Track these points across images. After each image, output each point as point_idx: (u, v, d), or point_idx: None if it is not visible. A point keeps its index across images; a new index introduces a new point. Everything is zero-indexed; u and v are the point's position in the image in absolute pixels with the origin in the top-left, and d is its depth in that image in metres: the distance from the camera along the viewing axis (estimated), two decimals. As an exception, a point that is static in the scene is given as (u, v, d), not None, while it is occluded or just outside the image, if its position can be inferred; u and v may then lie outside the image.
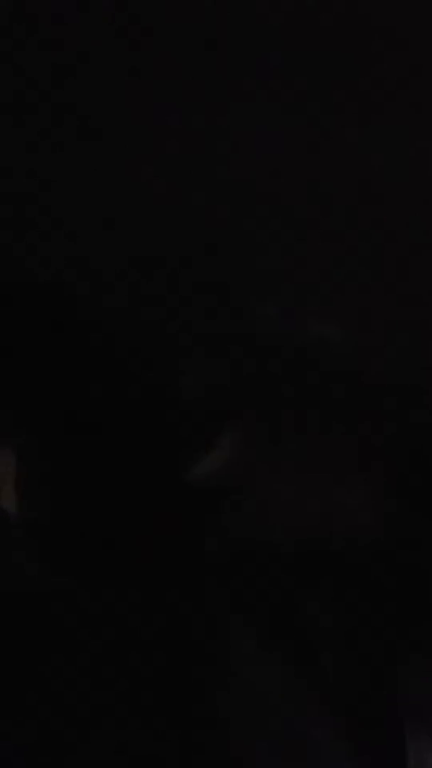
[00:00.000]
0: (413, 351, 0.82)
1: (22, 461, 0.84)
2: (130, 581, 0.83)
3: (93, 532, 0.84)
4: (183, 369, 0.83)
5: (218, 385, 0.83)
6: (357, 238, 0.79)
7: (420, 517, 0.84)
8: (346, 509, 0.85)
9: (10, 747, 0.78)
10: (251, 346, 0.82)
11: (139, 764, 0.79)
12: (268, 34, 0.76)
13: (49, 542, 0.84)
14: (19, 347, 0.84)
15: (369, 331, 0.81)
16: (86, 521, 0.84)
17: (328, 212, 0.79)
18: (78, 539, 0.84)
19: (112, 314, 0.83)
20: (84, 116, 0.78)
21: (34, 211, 0.80)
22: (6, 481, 0.85)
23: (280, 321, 0.81)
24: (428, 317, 0.81)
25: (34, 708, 0.79)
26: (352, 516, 0.85)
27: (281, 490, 0.85)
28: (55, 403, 0.84)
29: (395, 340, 0.82)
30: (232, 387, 0.83)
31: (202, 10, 0.75)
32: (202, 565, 0.83)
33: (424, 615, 0.84)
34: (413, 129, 0.77)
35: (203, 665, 0.81)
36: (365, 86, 0.76)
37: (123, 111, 0.78)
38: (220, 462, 0.84)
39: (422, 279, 0.80)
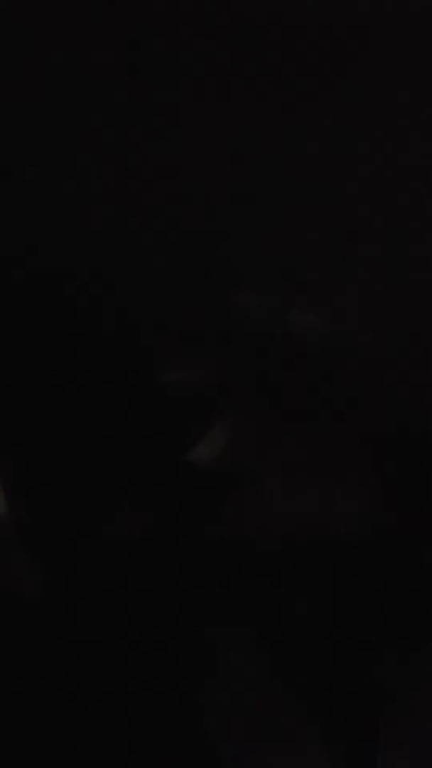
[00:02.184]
0: (398, 341, 0.82)
1: (11, 459, 0.84)
2: (126, 573, 0.83)
3: (88, 527, 0.84)
4: (170, 361, 0.83)
5: (206, 377, 0.83)
6: (339, 229, 0.79)
7: (412, 516, 0.84)
8: (339, 506, 0.85)
9: (8, 740, 0.79)
10: (234, 339, 0.82)
11: (125, 750, 0.80)
12: (267, 33, 0.76)
13: (42, 540, 0.84)
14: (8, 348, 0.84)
15: (353, 323, 0.81)
16: (80, 516, 0.84)
17: (310, 204, 0.79)
18: (72, 536, 0.84)
19: (99, 307, 0.83)
20: (75, 111, 0.78)
21: (16, 211, 0.80)
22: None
23: (263, 313, 0.81)
24: (411, 307, 0.81)
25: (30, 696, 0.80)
26: (344, 513, 0.85)
27: (273, 484, 0.85)
28: (45, 398, 0.84)
29: (380, 330, 0.81)
30: (219, 379, 0.83)
31: (202, 12, 0.75)
32: (198, 558, 0.83)
33: (410, 619, 0.84)
34: (395, 121, 0.77)
35: (191, 658, 0.82)
36: (349, 77, 0.76)
37: (116, 108, 0.78)
38: (211, 451, 0.84)
39: (405, 269, 0.80)
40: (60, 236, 0.81)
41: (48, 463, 0.84)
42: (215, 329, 0.83)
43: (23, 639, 0.82)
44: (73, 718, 0.80)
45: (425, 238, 0.79)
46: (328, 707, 0.82)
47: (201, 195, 0.79)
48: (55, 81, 0.77)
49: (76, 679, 0.81)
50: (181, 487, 0.84)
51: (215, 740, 0.81)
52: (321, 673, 0.83)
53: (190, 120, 0.77)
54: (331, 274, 0.80)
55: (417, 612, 0.84)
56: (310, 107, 0.76)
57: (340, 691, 0.83)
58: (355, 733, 0.82)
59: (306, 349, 0.82)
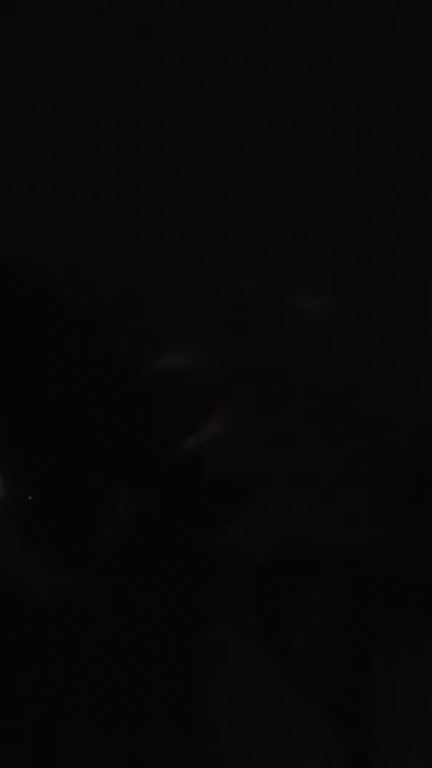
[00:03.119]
0: (399, 326, 0.81)
1: (8, 451, 0.84)
2: (126, 572, 0.82)
3: (85, 520, 0.83)
4: (168, 348, 0.83)
5: (205, 364, 0.83)
6: (342, 212, 0.79)
7: (410, 519, 0.84)
8: (337, 508, 0.84)
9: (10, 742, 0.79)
10: (235, 323, 0.82)
11: (131, 751, 0.79)
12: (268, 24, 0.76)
13: (42, 534, 0.83)
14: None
15: (355, 307, 0.81)
16: (76, 508, 0.83)
17: (312, 186, 0.78)
18: (69, 530, 0.84)
19: (95, 294, 0.82)
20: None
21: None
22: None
23: (264, 297, 0.81)
24: (413, 290, 0.80)
25: (31, 698, 0.80)
26: (342, 515, 0.84)
27: (270, 481, 0.84)
28: (41, 389, 0.83)
29: (381, 315, 0.81)
30: (218, 365, 0.83)
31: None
32: (200, 560, 0.83)
33: (407, 619, 0.84)
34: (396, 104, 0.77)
35: (196, 657, 0.81)
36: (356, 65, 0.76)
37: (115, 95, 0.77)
38: (208, 440, 0.83)
39: (408, 254, 0.79)
40: (55, 219, 0.80)
41: (43, 454, 0.84)
42: (215, 317, 0.82)
43: (23, 634, 0.81)
44: (73, 715, 0.80)
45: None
46: (328, 708, 0.82)
47: (203, 175, 0.78)
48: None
49: (76, 677, 0.81)
50: (178, 478, 0.84)
51: (216, 739, 0.80)
52: (321, 673, 0.83)
53: (192, 99, 0.77)
54: (335, 261, 0.80)
55: (417, 614, 0.84)
56: (314, 90, 0.76)
57: (340, 692, 0.82)
58: (354, 733, 0.82)
59: (307, 338, 0.82)
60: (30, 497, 0.82)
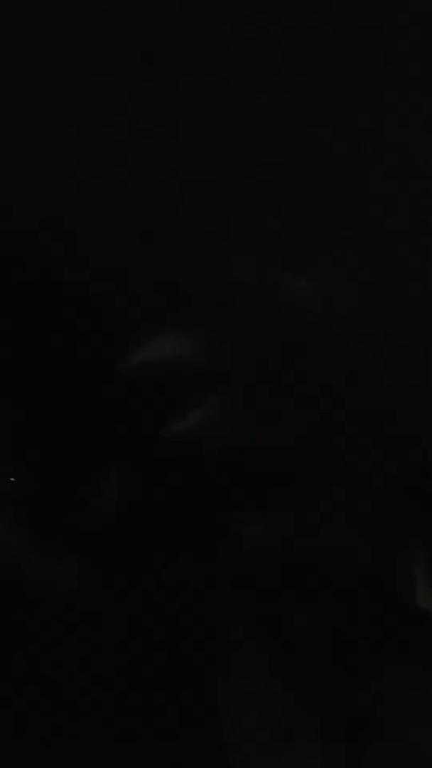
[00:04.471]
0: (397, 311, 0.81)
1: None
2: (134, 575, 0.82)
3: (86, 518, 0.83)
4: (159, 332, 0.82)
5: (196, 347, 0.82)
6: (335, 198, 0.78)
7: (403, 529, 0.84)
8: (336, 500, 0.84)
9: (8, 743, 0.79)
10: (228, 308, 0.81)
11: (135, 756, 0.79)
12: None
13: (30, 519, 0.83)
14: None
15: (346, 293, 0.80)
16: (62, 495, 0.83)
17: (305, 172, 0.78)
18: (75, 532, 0.84)
19: (85, 275, 0.82)
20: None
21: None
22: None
23: (257, 282, 0.80)
24: (405, 277, 0.80)
25: (32, 701, 0.80)
26: (337, 528, 0.84)
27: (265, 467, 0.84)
28: (29, 374, 0.83)
29: (373, 302, 0.81)
30: (209, 351, 0.82)
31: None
32: (209, 569, 0.83)
33: (401, 630, 0.84)
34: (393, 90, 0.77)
35: (202, 665, 0.81)
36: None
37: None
38: (196, 423, 0.83)
39: (400, 241, 0.79)
40: (48, 198, 0.80)
41: (30, 434, 0.83)
42: (206, 299, 0.82)
43: (19, 622, 0.81)
44: (75, 712, 0.80)
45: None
46: (328, 708, 0.82)
47: (196, 158, 0.78)
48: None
49: (71, 670, 0.81)
50: (169, 463, 0.83)
51: (221, 738, 0.80)
52: (321, 675, 0.83)
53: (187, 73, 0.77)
54: (315, 240, 0.80)
55: (411, 620, 0.84)
56: (314, 76, 0.76)
57: (340, 693, 0.82)
58: (355, 733, 0.82)
59: (302, 323, 0.81)
60: (12, 479, 0.82)
